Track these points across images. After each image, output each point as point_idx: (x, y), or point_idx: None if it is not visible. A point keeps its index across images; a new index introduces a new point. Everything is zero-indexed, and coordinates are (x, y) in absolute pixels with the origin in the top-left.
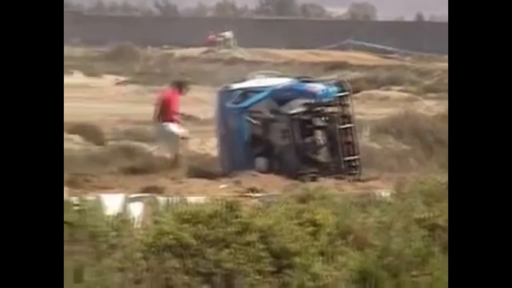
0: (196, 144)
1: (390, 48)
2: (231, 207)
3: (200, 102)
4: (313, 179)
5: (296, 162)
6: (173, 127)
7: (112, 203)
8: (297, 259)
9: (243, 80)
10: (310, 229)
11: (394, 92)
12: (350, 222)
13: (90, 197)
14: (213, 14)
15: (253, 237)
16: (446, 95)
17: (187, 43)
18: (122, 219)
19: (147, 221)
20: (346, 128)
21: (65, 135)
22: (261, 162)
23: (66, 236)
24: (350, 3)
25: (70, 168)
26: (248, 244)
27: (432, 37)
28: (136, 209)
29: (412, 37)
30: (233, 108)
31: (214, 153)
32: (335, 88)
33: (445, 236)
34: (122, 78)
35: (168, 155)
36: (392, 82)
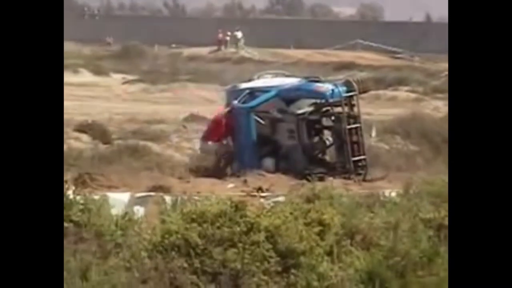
0: None
1: (397, 49)
2: (238, 206)
3: (208, 101)
4: (320, 179)
5: (303, 162)
6: None
7: (118, 202)
8: (303, 259)
9: (251, 79)
10: (317, 229)
11: (401, 93)
12: (357, 222)
13: (97, 196)
14: (221, 14)
15: (259, 236)
16: None
17: (196, 42)
18: (129, 218)
19: (153, 220)
20: (353, 128)
21: (73, 134)
22: (268, 161)
23: (72, 235)
24: (358, 4)
25: (77, 167)
26: (254, 243)
27: (440, 37)
28: (143, 208)
29: (420, 38)
30: (241, 107)
31: None
32: (342, 88)
33: None
34: (129, 77)
35: None
36: (399, 82)
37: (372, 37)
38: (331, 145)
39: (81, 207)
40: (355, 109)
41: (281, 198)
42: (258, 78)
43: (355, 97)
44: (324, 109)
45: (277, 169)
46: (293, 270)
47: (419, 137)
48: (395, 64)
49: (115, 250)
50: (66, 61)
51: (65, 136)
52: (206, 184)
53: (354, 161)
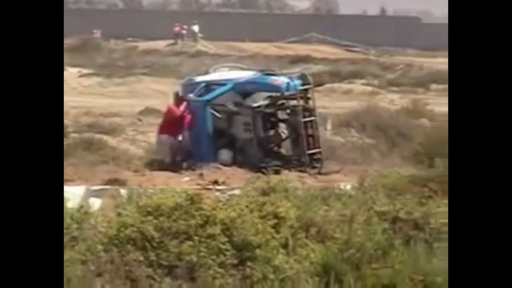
0: None
1: (352, 43)
2: (194, 199)
3: (164, 95)
4: (276, 172)
5: (258, 155)
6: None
7: (74, 195)
8: (259, 252)
9: (207, 73)
10: (272, 222)
11: (357, 86)
12: (312, 215)
13: None
14: (178, 7)
15: (215, 229)
16: (408, 88)
17: (152, 36)
18: (84, 211)
19: (109, 213)
20: (308, 121)
21: None
22: (224, 155)
23: None
24: None
25: None
26: (210, 236)
27: (395, 31)
28: (98, 202)
29: (375, 31)
30: (197, 101)
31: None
32: (298, 82)
33: (406, 229)
34: (85, 71)
35: None
36: (355, 75)
37: (327, 31)
38: (286, 138)
39: None
40: (311, 102)
41: (236, 191)
42: (214, 71)
43: (310, 90)
44: (280, 102)
45: (233, 162)
46: (248, 263)
47: (374, 130)
48: (351, 57)
49: (71, 243)
50: None
51: None
52: (161, 177)
53: (310, 154)
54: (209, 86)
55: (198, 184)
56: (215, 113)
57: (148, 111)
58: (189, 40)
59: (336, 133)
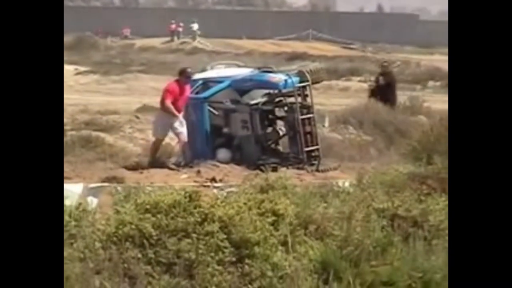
0: None
1: (350, 40)
2: (192, 197)
3: (161, 92)
4: (274, 169)
5: (256, 152)
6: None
7: (72, 193)
8: (257, 249)
9: (204, 70)
10: (271, 219)
11: (354, 83)
12: (311, 212)
13: None
14: (174, 4)
15: (213, 227)
16: (406, 85)
17: (148, 33)
18: (83, 209)
19: (107, 211)
20: (306, 119)
21: None
22: (222, 152)
23: None
24: None
25: None
26: (208, 234)
27: (392, 28)
28: (96, 199)
29: (372, 28)
30: (194, 98)
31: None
32: (295, 79)
33: (405, 226)
34: (82, 68)
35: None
36: (352, 72)
37: (324, 28)
38: (284, 135)
39: None
40: (308, 99)
41: (234, 189)
42: (211, 68)
43: (308, 87)
44: (277, 99)
45: (230, 160)
46: (247, 260)
47: (372, 127)
48: (348, 55)
49: (69, 241)
50: None
51: None
52: (159, 175)
53: (307, 152)
54: (206, 83)
55: (196, 182)
56: (212, 110)
57: (145, 109)
58: (187, 38)
59: (333, 130)
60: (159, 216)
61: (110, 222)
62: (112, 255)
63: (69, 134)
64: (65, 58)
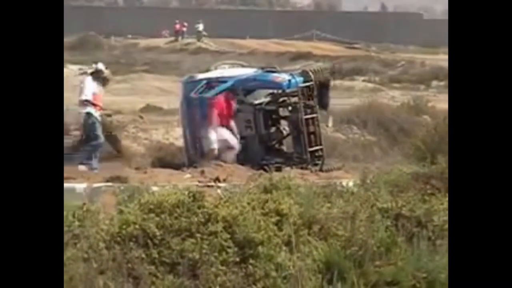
0: (161, 134)
1: (354, 39)
2: (196, 197)
3: (165, 92)
4: (277, 169)
5: (260, 152)
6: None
7: (75, 193)
8: (261, 249)
9: (208, 70)
10: (275, 219)
11: (358, 82)
12: (314, 212)
13: None
14: (177, 4)
15: (217, 227)
16: (409, 85)
17: (152, 33)
18: (86, 209)
19: (111, 211)
20: (310, 118)
21: None
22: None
23: None
24: None
25: None
26: (212, 234)
27: (396, 27)
28: (100, 199)
29: (376, 28)
30: (198, 98)
31: (179, 143)
32: (299, 78)
33: (409, 226)
34: (86, 68)
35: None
36: (356, 72)
37: (328, 27)
38: (288, 135)
39: None
40: (312, 99)
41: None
42: (215, 68)
43: (311, 87)
44: (281, 99)
45: (234, 160)
46: (251, 260)
47: (376, 127)
48: (352, 54)
49: (73, 241)
50: None
51: None
52: (163, 175)
53: (311, 151)
54: (210, 83)
55: (200, 182)
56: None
57: (149, 108)
58: (193, 38)
59: (337, 130)
60: (163, 216)
61: (114, 222)
62: (116, 255)
63: (73, 134)
64: (69, 58)
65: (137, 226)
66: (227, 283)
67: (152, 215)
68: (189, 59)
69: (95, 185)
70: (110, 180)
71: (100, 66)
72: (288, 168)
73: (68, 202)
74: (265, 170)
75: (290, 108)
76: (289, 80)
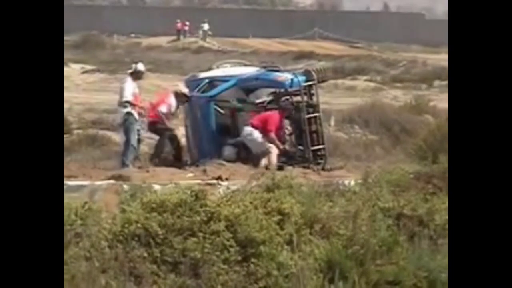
0: None
1: (356, 39)
2: (198, 196)
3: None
4: (280, 168)
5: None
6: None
7: (78, 191)
8: (263, 248)
9: (210, 69)
10: (277, 218)
11: (360, 82)
12: (316, 211)
13: None
14: (180, 3)
15: (219, 226)
16: (412, 84)
17: (155, 32)
18: (89, 207)
19: (113, 209)
20: (312, 118)
21: None
22: (228, 151)
23: None
24: None
25: None
26: (214, 233)
27: (398, 27)
28: (102, 198)
29: (378, 27)
30: (200, 97)
31: (181, 142)
32: (301, 78)
33: (410, 225)
34: (88, 67)
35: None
36: (358, 72)
37: (331, 27)
38: (290, 134)
39: None
40: (314, 98)
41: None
42: (218, 67)
43: (314, 87)
44: (283, 98)
45: (237, 159)
46: (253, 259)
47: (378, 126)
48: (354, 54)
49: (75, 240)
50: None
51: None
52: (165, 174)
53: (313, 151)
54: (212, 82)
55: (202, 180)
56: (219, 109)
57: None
58: (195, 37)
59: (339, 129)
60: (165, 215)
61: (116, 221)
62: (118, 254)
63: (76, 133)
64: (71, 57)
65: (139, 225)
66: (229, 282)
67: (154, 214)
68: (191, 58)
69: (98, 183)
70: (112, 178)
71: (140, 66)
72: (290, 167)
73: (70, 201)
74: (267, 168)
75: (292, 107)
76: (292, 79)
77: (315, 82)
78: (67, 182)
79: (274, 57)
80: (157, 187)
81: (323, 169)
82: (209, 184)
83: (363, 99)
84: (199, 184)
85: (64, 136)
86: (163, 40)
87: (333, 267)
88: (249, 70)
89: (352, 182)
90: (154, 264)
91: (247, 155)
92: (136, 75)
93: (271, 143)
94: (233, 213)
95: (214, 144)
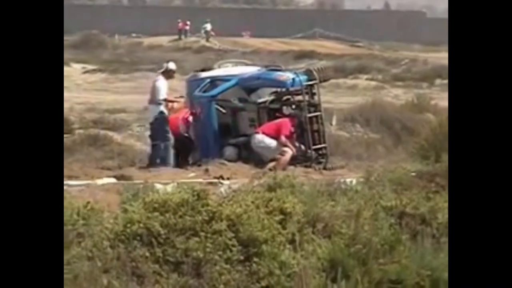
0: None
1: (357, 38)
2: (200, 195)
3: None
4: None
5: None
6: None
7: (80, 191)
8: (265, 248)
9: (211, 68)
10: (279, 217)
11: (362, 81)
12: (318, 211)
13: None
14: (181, 2)
15: (221, 225)
16: (413, 83)
17: (156, 32)
18: (91, 207)
19: (115, 209)
20: (314, 117)
21: None
22: (230, 150)
23: None
24: None
25: None
26: (216, 232)
27: (399, 26)
28: (104, 197)
29: (379, 26)
30: (202, 96)
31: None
32: (303, 77)
33: (413, 224)
34: (90, 67)
35: None
36: (359, 70)
37: (332, 26)
38: (292, 134)
39: None
40: (316, 97)
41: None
42: (219, 67)
43: (315, 86)
44: (285, 97)
45: (238, 158)
46: (255, 259)
47: (379, 125)
48: (355, 53)
49: (77, 240)
50: None
51: None
52: (167, 173)
53: (315, 150)
54: (213, 81)
55: (204, 180)
56: (220, 108)
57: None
58: (200, 38)
59: (341, 128)
60: (167, 214)
61: (118, 221)
62: (120, 254)
63: (77, 133)
64: (72, 56)
65: (141, 225)
66: (231, 282)
67: (156, 213)
68: (192, 57)
69: (100, 182)
70: (114, 178)
71: (171, 65)
72: (292, 167)
73: (72, 201)
74: (269, 168)
75: (294, 106)
76: (293, 79)
77: (316, 81)
78: (69, 182)
79: (275, 57)
80: (159, 186)
81: (324, 168)
82: (211, 183)
83: (364, 98)
84: (200, 183)
85: (66, 136)
86: (164, 40)
87: (336, 266)
88: (251, 70)
89: (354, 181)
90: (156, 264)
91: (249, 154)
92: (168, 74)
93: (285, 146)
94: (235, 212)
95: (216, 144)
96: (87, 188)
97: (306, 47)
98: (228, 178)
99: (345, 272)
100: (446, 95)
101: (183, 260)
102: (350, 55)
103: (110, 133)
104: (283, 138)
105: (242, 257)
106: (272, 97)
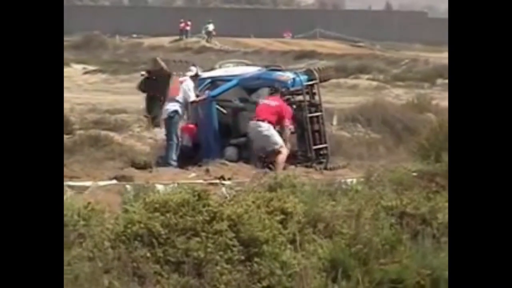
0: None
1: (358, 38)
2: (201, 195)
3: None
4: (282, 168)
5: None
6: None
7: (80, 192)
8: (266, 248)
9: (212, 69)
10: (279, 217)
11: (363, 81)
12: (319, 210)
13: None
14: (182, 3)
15: (222, 225)
16: (414, 83)
17: (157, 32)
18: (91, 208)
19: (116, 210)
20: (314, 117)
21: None
22: (230, 151)
23: None
24: None
25: None
26: (217, 232)
27: (400, 26)
28: (105, 198)
29: (380, 26)
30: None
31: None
32: (303, 77)
33: (413, 224)
34: (90, 67)
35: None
36: (361, 70)
37: (333, 26)
38: (292, 133)
39: None
40: (316, 97)
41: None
42: (220, 67)
43: (316, 86)
44: (286, 97)
45: (239, 158)
46: (256, 259)
47: (380, 125)
48: (356, 53)
49: (78, 240)
50: None
51: None
52: (168, 174)
53: (316, 150)
54: (214, 82)
55: (205, 180)
56: (221, 109)
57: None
58: (202, 39)
59: (342, 128)
60: (168, 215)
61: (119, 221)
62: (121, 254)
63: (78, 134)
64: (73, 57)
65: (142, 225)
66: (232, 282)
67: (157, 214)
68: (193, 58)
69: (101, 183)
70: (115, 179)
71: (200, 71)
72: (292, 167)
73: (73, 201)
74: (270, 168)
75: (294, 106)
76: (294, 79)
77: (317, 81)
78: (70, 183)
79: (276, 57)
80: (159, 187)
81: (325, 168)
82: (212, 183)
83: (365, 98)
84: (201, 183)
85: (67, 136)
86: (165, 40)
87: (336, 266)
88: (251, 70)
89: (355, 181)
90: (157, 264)
91: (250, 155)
92: (194, 78)
93: (284, 140)
94: (235, 212)
95: (217, 144)
96: (88, 189)
97: (306, 47)
98: (229, 178)
99: (346, 272)
100: (447, 95)
101: (184, 260)
102: (351, 55)
103: (111, 134)
104: (287, 121)
105: (243, 257)
106: None
